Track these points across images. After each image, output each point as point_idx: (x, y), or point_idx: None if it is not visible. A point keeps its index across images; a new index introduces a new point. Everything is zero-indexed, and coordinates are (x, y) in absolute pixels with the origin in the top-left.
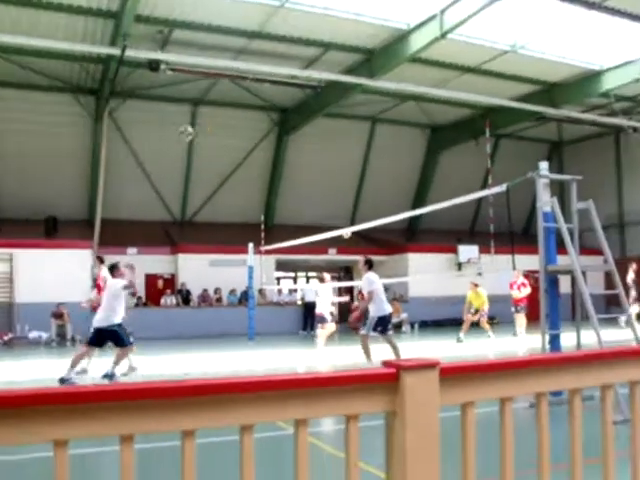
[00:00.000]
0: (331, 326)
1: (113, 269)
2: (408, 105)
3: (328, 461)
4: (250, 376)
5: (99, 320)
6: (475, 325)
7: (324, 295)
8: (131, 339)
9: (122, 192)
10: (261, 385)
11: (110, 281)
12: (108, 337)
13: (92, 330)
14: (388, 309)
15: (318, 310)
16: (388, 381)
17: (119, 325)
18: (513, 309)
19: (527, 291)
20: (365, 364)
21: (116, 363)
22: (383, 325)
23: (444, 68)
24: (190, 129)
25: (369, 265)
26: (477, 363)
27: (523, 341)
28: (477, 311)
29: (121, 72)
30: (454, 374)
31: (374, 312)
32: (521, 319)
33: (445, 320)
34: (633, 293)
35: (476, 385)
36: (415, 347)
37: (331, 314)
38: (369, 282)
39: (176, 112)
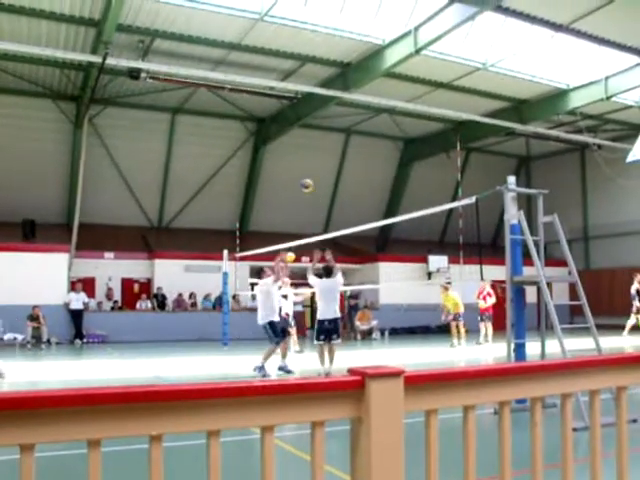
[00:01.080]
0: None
1: (260, 272)
2: (382, 118)
3: (294, 463)
4: (217, 382)
5: (262, 317)
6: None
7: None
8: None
9: (100, 197)
10: (227, 391)
11: (260, 282)
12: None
13: (267, 328)
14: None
15: (283, 312)
16: (354, 388)
17: (275, 322)
18: (479, 318)
19: (492, 301)
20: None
21: (265, 358)
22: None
23: (417, 83)
24: (309, 182)
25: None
26: (441, 372)
27: (489, 349)
28: (454, 315)
29: (102, 79)
30: (418, 382)
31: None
32: (488, 328)
33: (415, 327)
34: (637, 304)
35: (440, 393)
36: (384, 354)
37: (293, 318)
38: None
39: (155, 120)
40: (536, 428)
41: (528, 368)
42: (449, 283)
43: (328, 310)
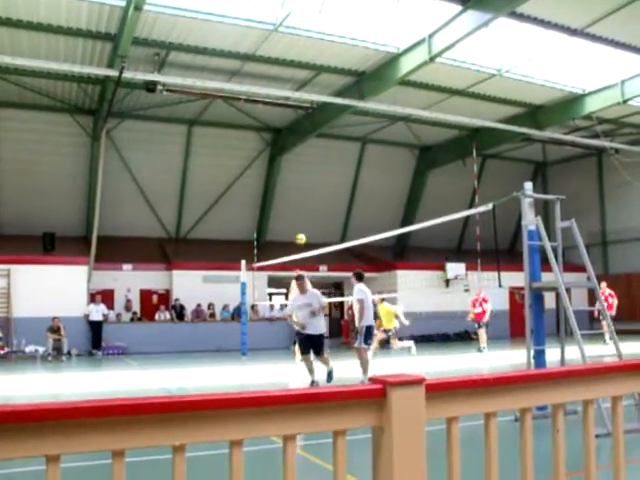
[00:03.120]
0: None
1: (360, 277)
2: (397, 126)
3: (316, 473)
4: (240, 392)
5: (367, 320)
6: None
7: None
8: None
9: (118, 209)
10: (251, 401)
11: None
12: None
13: (364, 331)
14: (372, 321)
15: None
16: (375, 397)
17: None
18: (476, 325)
19: (488, 307)
20: (359, 378)
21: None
22: (367, 335)
23: (432, 90)
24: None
25: (358, 277)
26: (462, 379)
27: (487, 358)
28: (385, 330)
29: (119, 93)
30: (439, 390)
31: (363, 321)
32: (481, 335)
33: (434, 335)
34: None
35: (461, 400)
36: (404, 362)
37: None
38: (359, 292)
39: (172, 132)
40: (558, 435)
41: (550, 374)
42: (466, 293)
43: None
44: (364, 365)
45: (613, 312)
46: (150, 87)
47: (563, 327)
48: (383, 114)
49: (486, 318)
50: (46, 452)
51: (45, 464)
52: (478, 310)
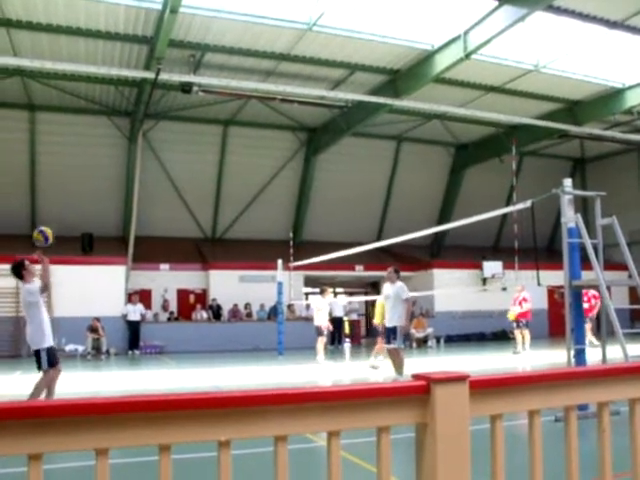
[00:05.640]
0: (324, 339)
1: (396, 272)
2: (433, 124)
3: (357, 472)
4: (282, 389)
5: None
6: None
7: (325, 308)
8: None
9: (155, 210)
10: (293, 397)
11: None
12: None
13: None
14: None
15: (317, 322)
16: (419, 393)
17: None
18: (514, 325)
19: (528, 306)
20: (394, 377)
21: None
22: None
23: (468, 88)
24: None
25: (398, 274)
26: (505, 376)
27: (527, 358)
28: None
29: (155, 95)
30: (483, 387)
31: (399, 321)
32: (525, 335)
33: (470, 334)
34: None
35: (505, 398)
36: (441, 361)
37: (327, 328)
38: (403, 290)
39: (207, 132)
40: (604, 434)
41: (595, 372)
42: (503, 292)
43: None
44: (400, 365)
45: None
46: (186, 88)
47: (604, 326)
48: (418, 112)
49: (526, 317)
50: (95, 445)
51: (94, 458)
52: (517, 309)
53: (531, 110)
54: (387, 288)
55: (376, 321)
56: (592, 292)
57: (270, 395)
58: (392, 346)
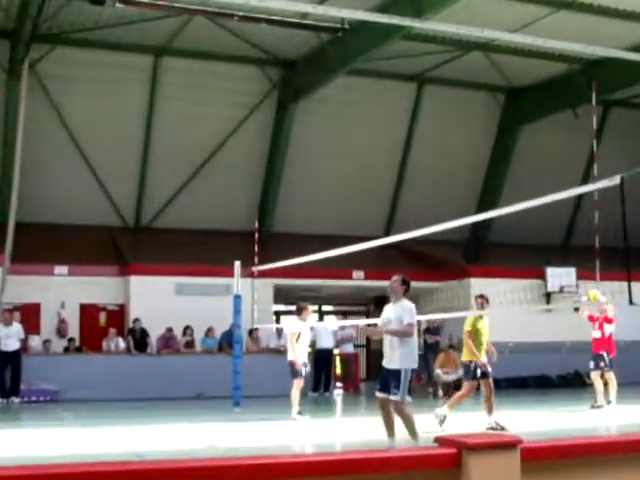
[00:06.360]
0: (302, 381)
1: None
2: (472, 58)
3: None
4: (236, 458)
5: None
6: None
7: (305, 336)
8: None
9: (48, 183)
10: (253, 472)
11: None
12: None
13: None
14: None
15: (291, 356)
16: (445, 467)
17: None
18: (592, 363)
19: (611, 329)
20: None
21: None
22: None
23: (527, 2)
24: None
25: (408, 287)
26: (575, 441)
27: (612, 414)
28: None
29: (48, 5)
30: (543, 457)
31: (408, 362)
32: (609, 379)
33: (527, 378)
34: None
35: (574, 473)
36: (481, 418)
37: (304, 364)
38: (410, 312)
39: (129, 66)
40: None
41: None
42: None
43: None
44: (412, 427)
45: None
46: None
47: None
48: (450, 40)
49: (611, 350)
50: None
51: None
52: (597, 334)
53: (622, 37)
54: (388, 309)
55: (465, 358)
56: (605, 313)
57: (220, 467)
58: (393, 398)
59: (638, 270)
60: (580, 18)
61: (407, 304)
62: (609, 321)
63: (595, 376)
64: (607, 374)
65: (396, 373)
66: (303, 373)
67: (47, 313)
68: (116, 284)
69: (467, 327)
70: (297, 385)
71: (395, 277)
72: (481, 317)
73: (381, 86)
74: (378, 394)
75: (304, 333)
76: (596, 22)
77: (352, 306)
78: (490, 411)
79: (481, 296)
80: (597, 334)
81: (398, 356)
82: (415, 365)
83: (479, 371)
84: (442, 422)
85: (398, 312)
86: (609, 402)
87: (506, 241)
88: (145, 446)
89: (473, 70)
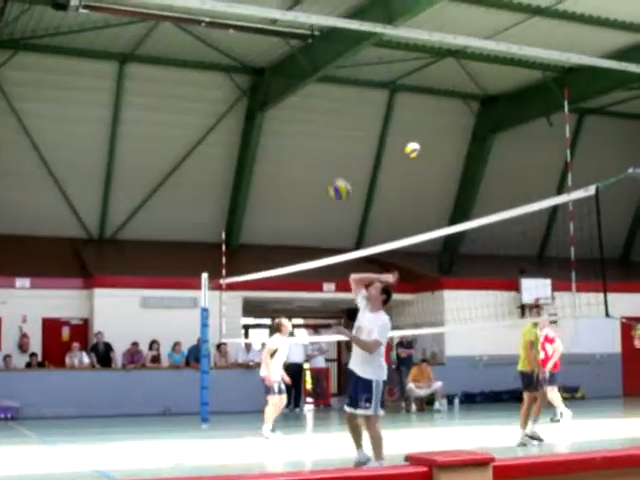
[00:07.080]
0: (278, 399)
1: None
2: (445, 65)
3: None
4: (205, 477)
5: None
6: None
7: (281, 353)
8: None
9: (8, 193)
10: None
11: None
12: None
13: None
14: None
15: (263, 373)
16: None
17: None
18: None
19: (557, 349)
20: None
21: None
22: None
23: (501, 8)
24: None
25: (388, 298)
26: (551, 458)
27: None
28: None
29: (9, 10)
30: (515, 475)
31: (379, 374)
32: (554, 393)
33: (501, 392)
34: None
35: None
36: (454, 434)
37: (281, 382)
38: (382, 328)
39: (93, 73)
40: None
41: None
42: (554, 325)
43: None
44: (378, 445)
45: None
46: (60, 2)
47: None
48: (423, 47)
49: (549, 367)
50: None
51: None
52: (541, 356)
53: (597, 45)
54: (364, 317)
55: (525, 367)
56: (546, 331)
57: None
58: (364, 413)
59: (614, 281)
60: (554, 25)
61: (383, 318)
62: (550, 341)
63: (547, 390)
64: (550, 387)
65: (367, 384)
66: (276, 390)
67: (8, 327)
68: (80, 297)
69: (529, 337)
70: (272, 402)
71: (376, 284)
72: (536, 325)
73: (352, 94)
74: (347, 408)
75: (281, 350)
76: (571, 29)
77: (323, 319)
78: (529, 423)
79: (537, 306)
80: (541, 355)
81: (369, 366)
82: (385, 377)
83: (542, 378)
84: (537, 438)
85: (372, 324)
86: (561, 415)
87: (480, 252)
88: (110, 465)
89: (446, 78)
